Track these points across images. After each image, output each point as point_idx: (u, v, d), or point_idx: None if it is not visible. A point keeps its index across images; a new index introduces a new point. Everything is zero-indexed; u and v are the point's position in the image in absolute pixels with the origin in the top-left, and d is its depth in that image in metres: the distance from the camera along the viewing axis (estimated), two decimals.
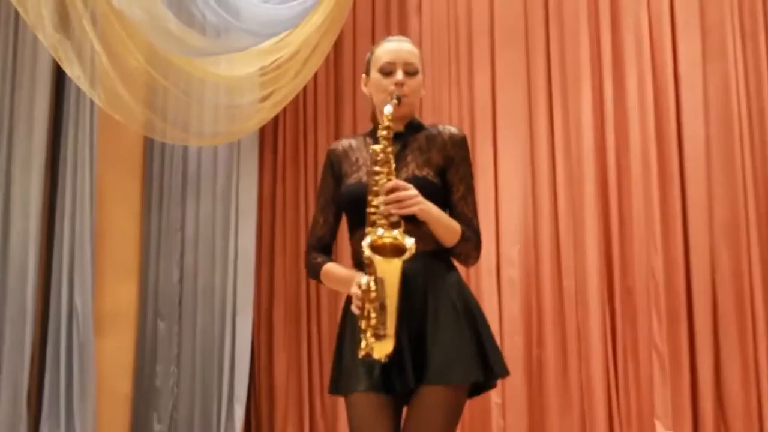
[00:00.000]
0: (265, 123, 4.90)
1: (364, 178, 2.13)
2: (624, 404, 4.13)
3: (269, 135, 5.18)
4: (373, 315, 1.95)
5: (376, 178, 2.04)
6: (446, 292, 2.10)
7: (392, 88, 2.14)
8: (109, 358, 4.61)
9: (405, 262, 1.96)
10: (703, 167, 4.13)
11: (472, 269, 4.41)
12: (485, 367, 2.08)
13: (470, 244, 2.16)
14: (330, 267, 2.20)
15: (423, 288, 2.08)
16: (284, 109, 4.94)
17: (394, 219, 2.01)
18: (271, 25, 4.48)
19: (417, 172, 2.14)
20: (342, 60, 5.05)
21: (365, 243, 1.97)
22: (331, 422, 4.78)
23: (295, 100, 4.94)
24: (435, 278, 2.10)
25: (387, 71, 2.17)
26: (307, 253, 2.28)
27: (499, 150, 4.56)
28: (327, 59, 4.85)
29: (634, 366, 4.15)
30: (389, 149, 2.05)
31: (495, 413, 4.32)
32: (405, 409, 2.13)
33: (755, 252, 3.98)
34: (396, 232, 1.99)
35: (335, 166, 2.25)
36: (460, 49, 4.72)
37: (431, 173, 2.15)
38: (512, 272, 4.42)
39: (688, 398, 4.01)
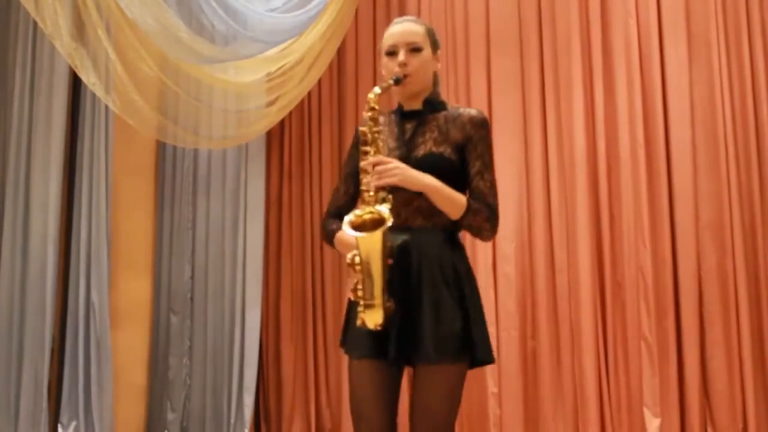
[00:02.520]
0: (271, 127, 4.92)
1: (383, 154, 2.12)
2: (614, 393, 4.21)
3: (276, 138, 5.20)
4: (359, 287, 2.00)
5: (365, 157, 2.09)
6: (442, 267, 2.08)
7: (397, 69, 2.15)
8: (124, 351, 4.60)
9: (385, 233, 1.95)
10: (689, 168, 4.21)
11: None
12: (476, 349, 2.10)
13: (480, 216, 2.11)
14: (341, 233, 2.13)
15: (419, 262, 2.07)
16: (290, 114, 4.97)
17: (382, 195, 2.03)
18: (276, 34, 4.50)
19: (434, 149, 2.13)
20: (345, 66, 5.07)
21: (345, 221, 2.00)
22: (336, 411, 4.83)
23: (301, 104, 4.97)
24: (435, 252, 2.09)
25: (391, 53, 2.19)
26: (325, 219, 2.29)
27: (494, 152, 4.63)
28: (330, 65, 4.88)
29: (623, 357, 4.23)
30: (375, 129, 2.10)
31: (492, 402, 4.40)
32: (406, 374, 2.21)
33: (739, 249, 4.08)
34: (377, 207, 2.00)
35: (360, 142, 2.18)
36: (457, 56, 4.77)
37: (449, 150, 2.14)
38: (508, 268, 4.49)
39: (675, 387, 4.10)
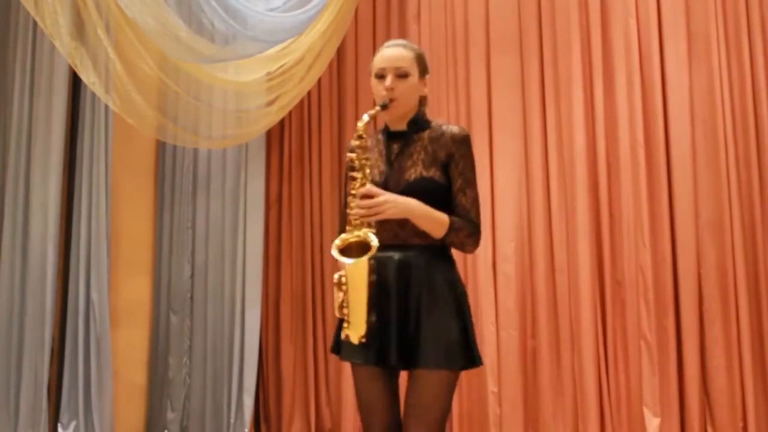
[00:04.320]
0: (271, 126, 4.92)
1: (376, 178, 2.26)
2: (614, 392, 4.22)
3: (275, 138, 5.20)
4: (345, 306, 2.17)
5: (353, 183, 2.19)
6: (437, 282, 2.22)
7: (384, 93, 2.26)
8: (124, 351, 4.61)
9: (371, 259, 2.10)
10: (689, 167, 4.22)
11: (469, 264, 4.54)
12: (469, 355, 2.23)
13: (462, 233, 2.23)
14: None
15: (417, 278, 2.21)
16: (290, 113, 4.97)
17: (367, 220, 2.16)
18: (276, 33, 4.49)
19: (424, 173, 2.24)
20: (345, 66, 5.08)
21: (333, 245, 2.14)
22: (336, 411, 4.83)
23: (300, 104, 4.97)
24: (428, 269, 2.22)
25: (380, 76, 2.29)
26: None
27: (494, 151, 4.63)
28: (330, 65, 4.88)
29: (623, 356, 4.24)
30: (363, 156, 2.19)
31: (491, 401, 4.40)
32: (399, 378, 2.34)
33: (739, 247, 4.09)
34: (363, 231, 2.14)
35: (348, 168, 2.33)
36: (457, 55, 4.78)
37: (437, 173, 2.25)
38: (508, 267, 4.50)
39: (675, 387, 4.11)
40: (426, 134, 2.31)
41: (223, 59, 4.57)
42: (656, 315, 4.20)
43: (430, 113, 4.66)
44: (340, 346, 2.32)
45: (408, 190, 2.22)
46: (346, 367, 4.77)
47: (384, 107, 2.24)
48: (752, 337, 4.04)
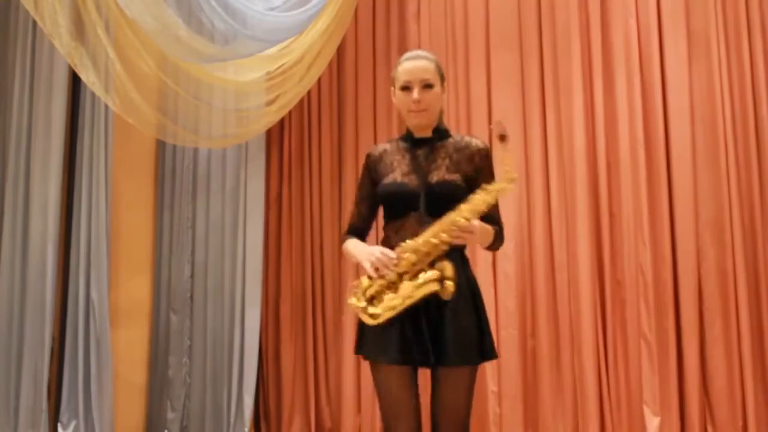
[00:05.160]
0: (271, 126, 4.92)
1: (399, 179, 2.38)
2: (614, 391, 4.23)
3: (275, 137, 5.20)
4: (387, 294, 2.22)
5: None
6: (461, 281, 2.29)
7: (412, 106, 2.39)
8: (124, 350, 4.61)
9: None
10: (689, 166, 4.23)
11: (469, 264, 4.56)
12: (490, 348, 2.36)
13: (498, 241, 2.45)
14: (349, 241, 2.48)
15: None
16: (289, 113, 4.98)
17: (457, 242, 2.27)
18: (276, 33, 4.50)
19: (447, 177, 2.37)
20: (344, 65, 5.08)
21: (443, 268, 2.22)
22: (336, 410, 4.84)
23: (300, 103, 4.98)
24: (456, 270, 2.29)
25: (406, 88, 2.41)
26: (343, 234, 2.55)
27: (494, 150, 4.67)
28: (330, 64, 4.88)
29: (623, 355, 4.25)
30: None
31: (491, 401, 4.41)
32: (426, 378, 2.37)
33: (739, 247, 4.10)
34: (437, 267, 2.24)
35: (371, 168, 2.49)
36: (457, 54, 4.79)
37: (459, 178, 2.38)
38: (508, 267, 4.51)
39: (675, 385, 4.12)
40: (450, 142, 2.45)
41: (223, 59, 4.57)
42: (656, 314, 4.21)
43: None
44: (363, 346, 2.38)
45: (431, 191, 2.34)
46: (346, 366, 4.83)
47: (503, 138, 2.28)
48: (752, 337, 4.05)
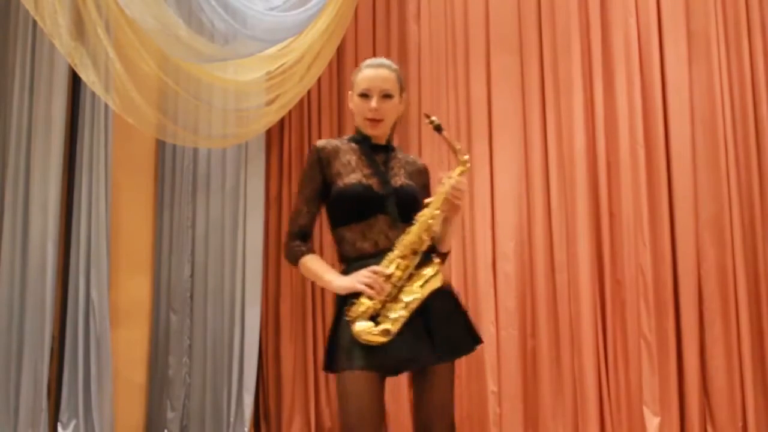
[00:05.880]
0: (271, 125, 4.93)
1: (364, 180, 2.31)
2: (614, 392, 4.23)
3: (275, 137, 5.21)
4: (390, 314, 2.16)
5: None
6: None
7: (369, 114, 2.35)
8: (124, 350, 4.60)
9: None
10: (689, 166, 4.23)
11: (469, 264, 4.57)
12: (475, 335, 2.36)
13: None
14: (310, 258, 2.34)
15: None
16: (289, 112, 4.98)
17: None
18: (276, 32, 4.50)
19: (408, 181, 2.38)
20: (344, 65, 5.08)
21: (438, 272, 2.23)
22: (335, 410, 4.75)
23: (300, 103, 4.98)
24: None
25: (364, 95, 2.36)
26: (289, 239, 2.39)
27: (494, 150, 4.64)
28: (330, 64, 4.89)
29: (623, 355, 4.25)
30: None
31: (491, 401, 4.41)
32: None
33: (739, 247, 4.10)
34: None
35: (324, 163, 2.35)
36: (457, 54, 4.79)
37: (415, 186, 2.40)
38: (507, 267, 4.51)
39: (675, 386, 4.12)
40: (399, 156, 2.45)
41: (223, 58, 4.57)
42: (656, 314, 4.21)
43: (430, 113, 4.62)
44: (335, 361, 2.27)
45: (398, 193, 2.32)
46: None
47: (438, 128, 2.33)
48: (752, 337, 4.05)
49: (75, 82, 4.37)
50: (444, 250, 2.37)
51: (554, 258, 4.44)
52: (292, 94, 4.75)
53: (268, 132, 5.13)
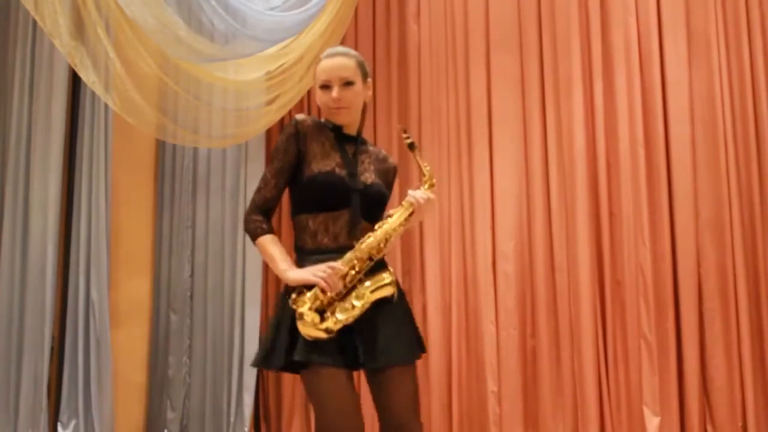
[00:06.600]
0: (271, 125, 4.93)
1: (337, 170, 2.26)
2: (614, 392, 4.23)
3: (275, 137, 5.09)
4: (337, 313, 2.14)
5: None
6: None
7: (331, 104, 2.30)
8: (124, 350, 4.60)
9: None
10: (689, 166, 4.23)
11: (469, 264, 4.57)
12: (421, 344, 2.33)
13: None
14: (270, 239, 2.28)
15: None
16: (289, 112, 4.94)
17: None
18: (276, 32, 4.50)
19: (377, 180, 2.35)
20: None
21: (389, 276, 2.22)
22: None
23: (300, 103, 4.97)
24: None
25: (325, 86, 2.31)
26: (251, 211, 2.33)
27: (494, 150, 4.64)
28: None
29: (623, 355, 4.25)
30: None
31: (491, 401, 4.41)
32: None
33: (738, 247, 4.10)
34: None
35: (301, 139, 2.28)
36: (457, 54, 4.79)
37: (383, 186, 2.39)
38: (507, 267, 4.51)
39: (675, 386, 4.13)
40: (371, 150, 2.41)
41: (223, 58, 4.57)
42: (656, 314, 4.21)
43: (430, 113, 4.56)
44: (271, 357, 2.23)
45: (366, 192, 2.28)
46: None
47: (411, 147, 2.31)
48: (752, 337, 4.06)
49: (75, 82, 4.36)
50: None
51: (554, 258, 4.43)
52: (292, 94, 4.75)
53: (268, 132, 5.12)
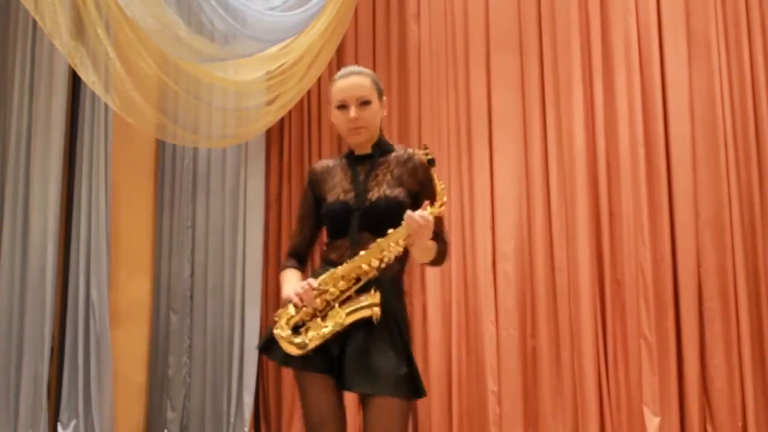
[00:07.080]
0: (271, 125, 4.92)
1: (342, 197, 2.32)
2: (614, 392, 4.23)
3: (275, 137, 5.20)
4: (310, 331, 2.15)
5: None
6: (391, 318, 2.23)
7: (349, 125, 2.31)
8: (124, 350, 4.62)
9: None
10: (689, 166, 4.23)
11: (469, 264, 4.57)
12: (414, 386, 2.22)
13: (443, 255, 2.34)
14: (287, 271, 2.42)
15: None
16: (289, 112, 4.98)
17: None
18: (276, 32, 4.50)
19: (388, 192, 2.28)
20: (344, 65, 4.79)
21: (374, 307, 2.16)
22: None
23: (300, 103, 4.97)
24: (387, 303, 2.20)
25: (342, 107, 2.32)
26: (285, 257, 2.49)
27: (494, 150, 4.63)
28: (330, 64, 4.87)
29: (623, 355, 4.24)
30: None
31: (491, 401, 4.40)
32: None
33: (738, 247, 4.10)
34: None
35: (314, 185, 2.41)
36: (457, 54, 4.79)
37: (403, 193, 2.29)
38: (507, 267, 4.50)
39: (675, 386, 4.12)
40: (392, 157, 2.38)
41: (223, 58, 4.58)
42: (656, 314, 4.20)
43: (430, 113, 4.57)
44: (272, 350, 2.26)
45: (369, 209, 2.27)
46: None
47: (431, 162, 2.20)
48: (752, 337, 4.05)
49: (75, 82, 4.37)
50: (419, 263, 2.31)
51: (554, 258, 4.43)
52: (292, 94, 4.75)
53: (268, 132, 5.12)
